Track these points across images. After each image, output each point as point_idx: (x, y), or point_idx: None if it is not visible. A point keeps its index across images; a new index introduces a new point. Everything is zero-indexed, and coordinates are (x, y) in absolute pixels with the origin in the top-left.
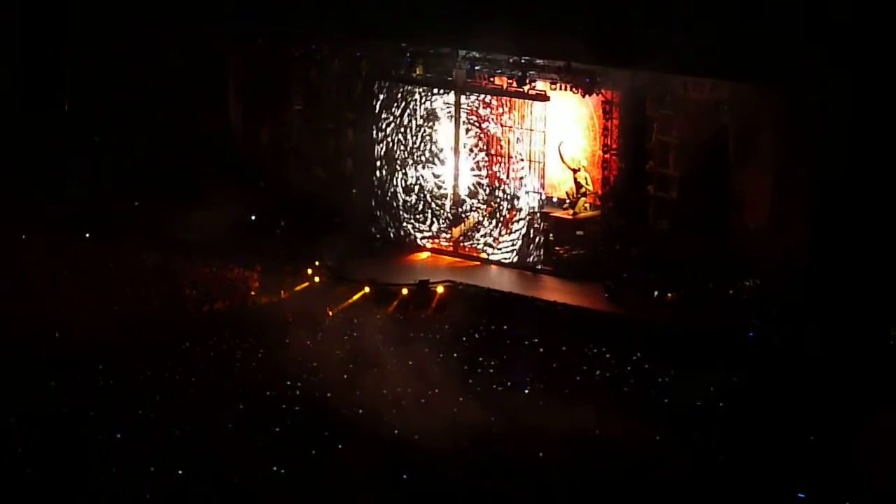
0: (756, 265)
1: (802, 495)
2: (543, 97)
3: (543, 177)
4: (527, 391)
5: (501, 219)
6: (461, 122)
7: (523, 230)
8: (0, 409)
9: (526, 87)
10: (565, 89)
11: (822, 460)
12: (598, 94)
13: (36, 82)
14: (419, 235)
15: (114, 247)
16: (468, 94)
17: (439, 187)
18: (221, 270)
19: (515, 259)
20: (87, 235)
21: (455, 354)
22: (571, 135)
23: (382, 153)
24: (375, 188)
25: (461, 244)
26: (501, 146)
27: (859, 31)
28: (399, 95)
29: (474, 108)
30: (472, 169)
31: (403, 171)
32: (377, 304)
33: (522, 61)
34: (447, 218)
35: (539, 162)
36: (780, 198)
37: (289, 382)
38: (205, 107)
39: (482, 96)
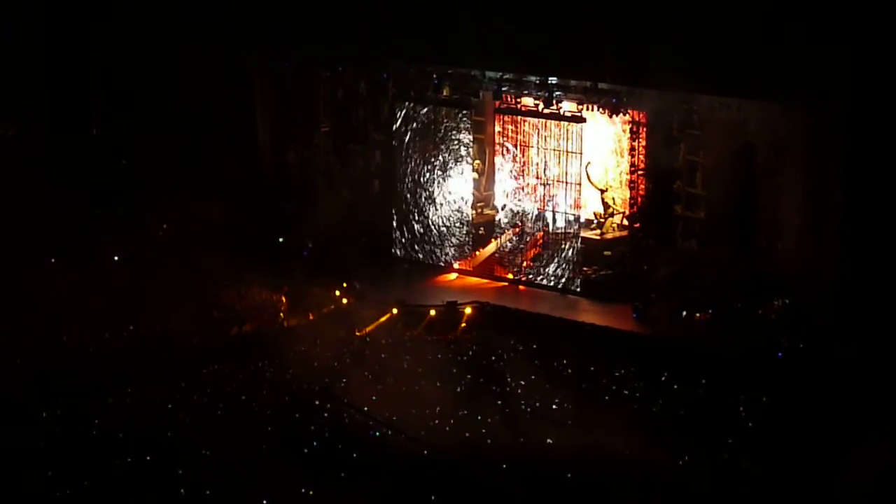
0: (785, 284)
1: None
2: (580, 119)
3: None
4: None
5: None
6: (493, 144)
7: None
8: (30, 432)
9: (553, 108)
10: (592, 110)
11: (854, 478)
12: (624, 115)
13: (63, 105)
14: (447, 257)
15: (141, 269)
16: (500, 115)
17: (467, 208)
18: (249, 292)
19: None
20: (116, 258)
21: (483, 375)
22: (599, 155)
23: (410, 174)
24: (403, 209)
25: (495, 265)
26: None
27: (887, 50)
28: (426, 116)
29: (503, 130)
30: (502, 191)
31: (431, 192)
32: (405, 325)
33: (549, 82)
34: (474, 239)
35: (573, 183)
36: (809, 216)
37: (317, 403)
38: (233, 129)
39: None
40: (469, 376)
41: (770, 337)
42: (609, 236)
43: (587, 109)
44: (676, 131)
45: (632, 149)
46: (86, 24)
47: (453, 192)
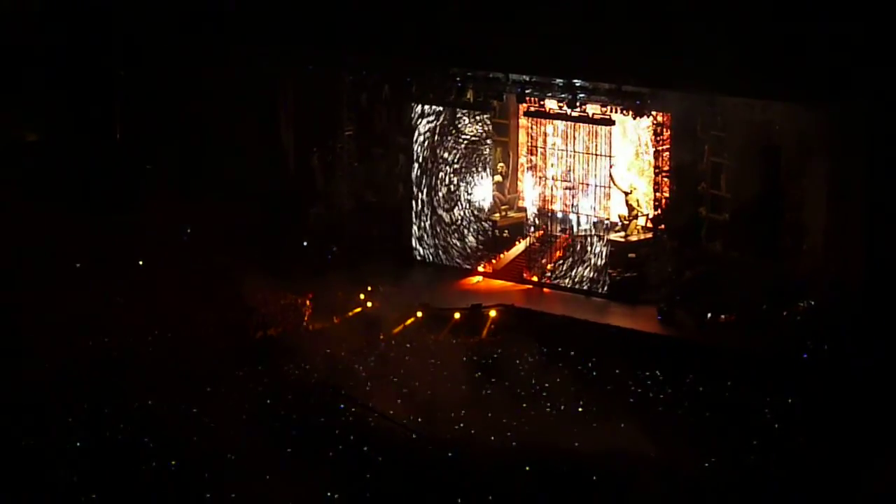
0: (810, 286)
1: None
2: (609, 121)
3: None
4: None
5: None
6: (517, 147)
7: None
8: (56, 438)
9: (578, 110)
10: (615, 112)
11: (881, 481)
12: (648, 116)
13: (87, 110)
14: (471, 259)
15: (165, 274)
16: (527, 117)
17: (490, 211)
18: (273, 296)
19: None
20: (140, 263)
21: (508, 378)
22: (623, 157)
23: (434, 178)
24: (427, 212)
25: (520, 267)
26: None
27: None
28: (450, 119)
29: (528, 131)
30: (525, 192)
31: (456, 195)
32: (430, 328)
33: (573, 84)
34: (499, 242)
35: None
36: (834, 218)
37: (342, 407)
38: (256, 133)
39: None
40: (494, 379)
41: (795, 339)
42: (633, 238)
43: (611, 111)
44: (700, 133)
45: (656, 151)
46: (109, 29)
47: (478, 194)
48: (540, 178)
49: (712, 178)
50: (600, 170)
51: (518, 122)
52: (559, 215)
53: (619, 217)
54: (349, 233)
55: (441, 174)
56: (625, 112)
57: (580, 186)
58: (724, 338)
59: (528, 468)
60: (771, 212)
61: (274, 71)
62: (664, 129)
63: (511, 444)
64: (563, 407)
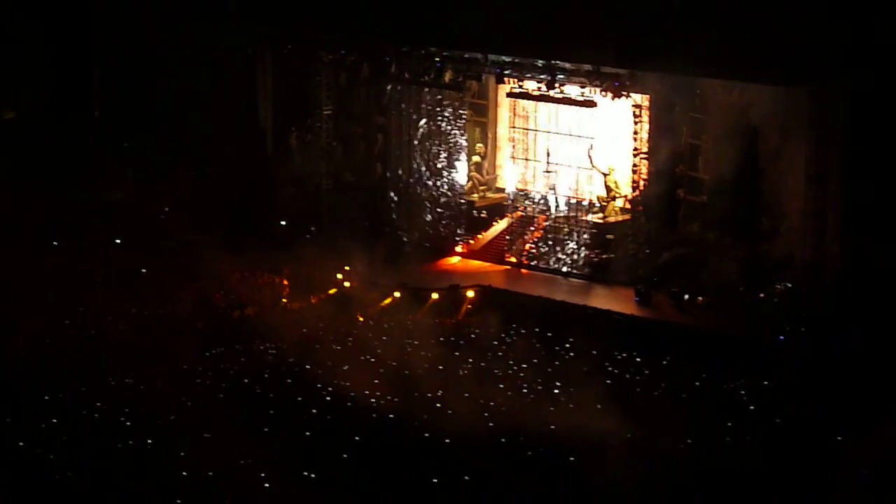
0: (787, 268)
1: None
2: (591, 103)
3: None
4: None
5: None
6: (495, 128)
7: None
8: (32, 415)
9: (557, 91)
10: (594, 93)
11: (854, 463)
12: (627, 98)
13: (65, 89)
14: (449, 240)
15: (144, 252)
16: (510, 97)
17: (468, 191)
18: (251, 276)
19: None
20: (118, 241)
21: (486, 358)
22: (601, 138)
23: (412, 156)
24: (405, 192)
25: (498, 248)
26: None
27: (889, 33)
28: (428, 99)
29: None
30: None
31: (433, 174)
32: (408, 308)
33: (552, 65)
34: (477, 223)
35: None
36: (811, 201)
37: (319, 386)
38: (235, 112)
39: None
40: (471, 360)
41: (772, 321)
42: (611, 220)
43: (590, 92)
44: (679, 114)
45: (634, 132)
46: (87, 7)
47: (456, 175)
48: (519, 158)
49: (690, 159)
50: (581, 151)
51: (497, 103)
52: (538, 196)
53: (598, 198)
54: (327, 212)
55: (419, 154)
56: (603, 93)
57: (558, 168)
58: (701, 319)
59: (505, 449)
60: (748, 194)
61: (252, 50)
62: (642, 111)
63: (487, 425)
64: (539, 387)
